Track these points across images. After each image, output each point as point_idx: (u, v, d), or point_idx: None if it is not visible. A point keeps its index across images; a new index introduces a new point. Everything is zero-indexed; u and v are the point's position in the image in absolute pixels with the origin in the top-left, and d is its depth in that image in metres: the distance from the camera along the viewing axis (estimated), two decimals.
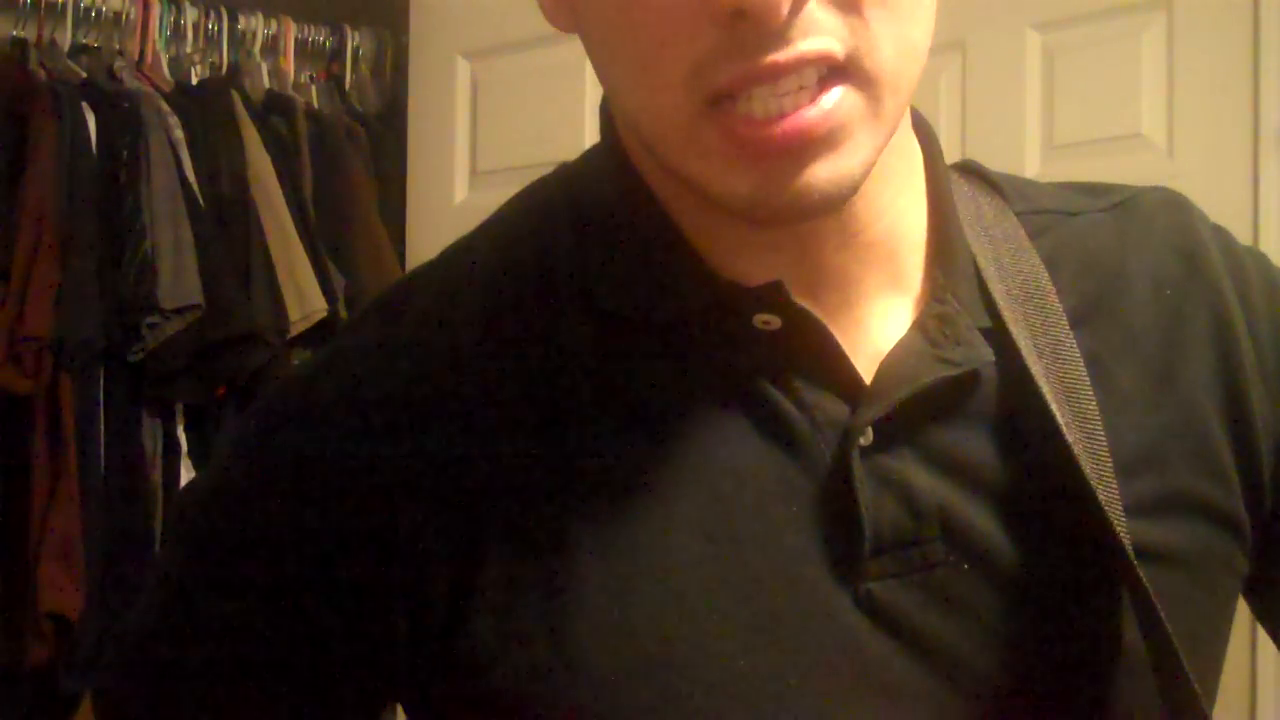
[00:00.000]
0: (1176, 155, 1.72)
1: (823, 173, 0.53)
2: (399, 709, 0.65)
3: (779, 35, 0.51)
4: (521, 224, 0.66)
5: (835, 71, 0.53)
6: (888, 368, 0.61)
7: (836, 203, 0.55)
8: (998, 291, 0.63)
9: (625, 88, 0.56)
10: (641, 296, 0.61)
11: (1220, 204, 1.67)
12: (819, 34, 0.52)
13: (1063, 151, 1.81)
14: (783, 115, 0.52)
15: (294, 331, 2.36)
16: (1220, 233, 0.70)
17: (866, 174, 0.55)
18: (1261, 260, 0.70)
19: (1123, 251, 0.67)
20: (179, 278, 2.23)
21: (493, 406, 0.60)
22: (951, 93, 1.90)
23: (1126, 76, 1.76)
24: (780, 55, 0.51)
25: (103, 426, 2.23)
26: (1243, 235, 1.78)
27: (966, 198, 0.67)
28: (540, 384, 0.60)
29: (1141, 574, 0.59)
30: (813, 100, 0.52)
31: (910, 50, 0.55)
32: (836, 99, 0.53)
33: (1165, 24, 1.74)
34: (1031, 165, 1.82)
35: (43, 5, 2.40)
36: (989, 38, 1.87)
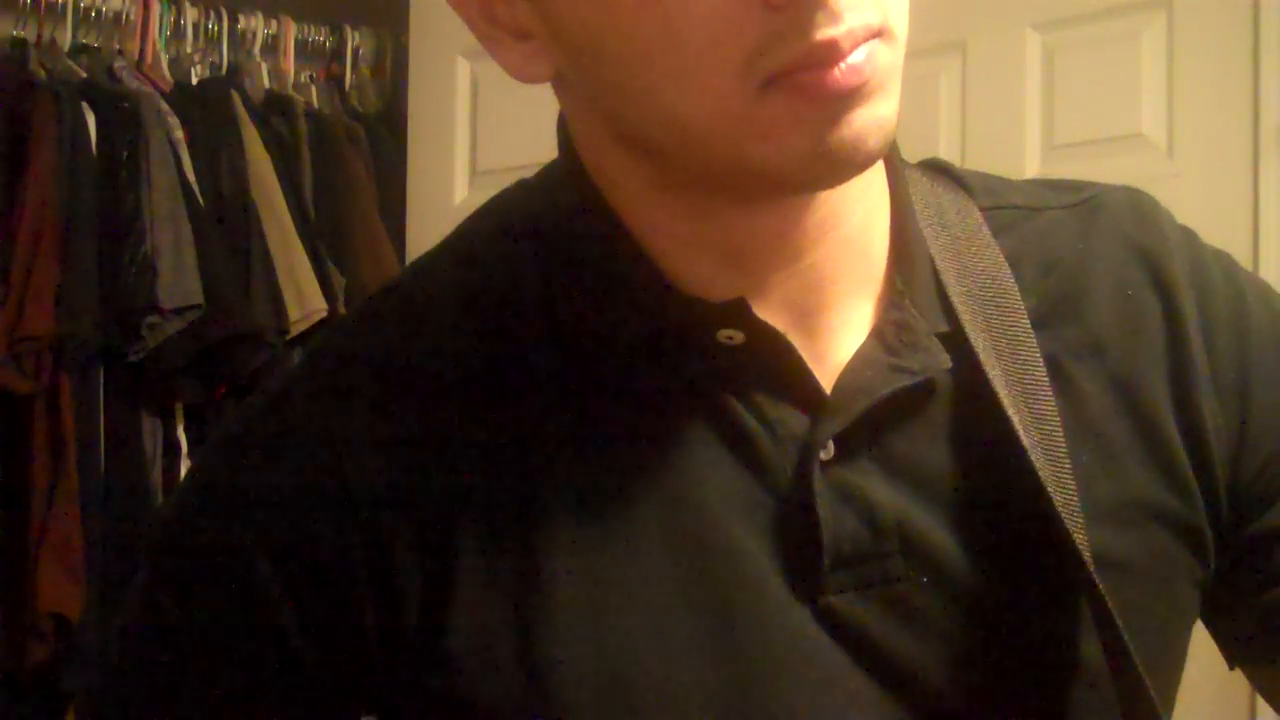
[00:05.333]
0: (1176, 155, 1.72)
1: (872, 116, 0.54)
2: None
3: (831, 11, 0.52)
4: (483, 246, 0.67)
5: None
6: (846, 379, 0.61)
7: (880, 153, 0.56)
8: (956, 294, 0.63)
9: (668, 95, 0.55)
10: (605, 315, 0.61)
11: (1220, 204, 1.68)
12: (863, 6, 0.53)
13: (1063, 151, 1.81)
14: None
15: (294, 331, 2.36)
16: (1188, 235, 0.68)
17: (895, 127, 0.56)
18: (1228, 265, 0.68)
19: (1085, 252, 0.66)
20: (179, 278, 2.23)
21: (461, 425, 0.61)
22: (951, 93, 1.90)
23: (1126, 76, 1.76)
24: (836, 31, 0.52)
25: (103, 426, 2.23)
26: (1243, 235, 1.77)
27: (928, 195, 0.67)
28: (507, 402, 0.61)
29: (1100, 582, 0.59)
30: (853, 49, 0.53)
31: (907, 9, 0.57)
32: (875, 48, 0.54)
33: (1165, 24, 1.74)
34: (1031, 165, 1.82)
35: (43, 5, 2.40)
36: (989, 38, 1.87)
